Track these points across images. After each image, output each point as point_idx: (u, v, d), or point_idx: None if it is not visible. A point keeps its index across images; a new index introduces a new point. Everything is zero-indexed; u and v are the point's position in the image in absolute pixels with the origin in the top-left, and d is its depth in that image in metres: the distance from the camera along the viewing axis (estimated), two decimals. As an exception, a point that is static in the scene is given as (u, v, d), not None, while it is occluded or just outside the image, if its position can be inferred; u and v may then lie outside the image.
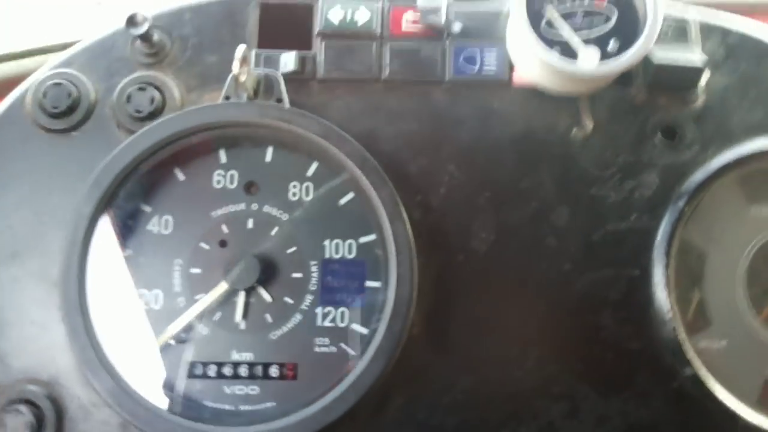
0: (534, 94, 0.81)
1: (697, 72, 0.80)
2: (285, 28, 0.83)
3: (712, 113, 0.81)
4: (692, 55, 0.80)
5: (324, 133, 0.72)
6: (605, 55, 0.74)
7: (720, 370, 0.73)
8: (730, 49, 0.84)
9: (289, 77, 0.80)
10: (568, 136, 0.79)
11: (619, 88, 0.82)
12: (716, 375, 0.72)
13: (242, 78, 0.70)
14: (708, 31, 0.84)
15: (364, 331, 0.71)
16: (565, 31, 0.75)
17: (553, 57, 0.72)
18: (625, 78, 0.81)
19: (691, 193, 0.76)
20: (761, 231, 0.78)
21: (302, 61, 0.80)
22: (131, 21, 0.77)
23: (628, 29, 0.75)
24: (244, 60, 0.70)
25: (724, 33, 0.84)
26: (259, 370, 0.70)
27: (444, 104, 0.80)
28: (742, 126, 0.81)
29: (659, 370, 0.73)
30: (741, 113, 0.81)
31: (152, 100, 0.78)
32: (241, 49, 0.69)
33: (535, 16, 0.75)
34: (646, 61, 0.80)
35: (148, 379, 0.69)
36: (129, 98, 0.77)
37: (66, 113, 0.77)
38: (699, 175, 0.77)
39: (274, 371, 0.70)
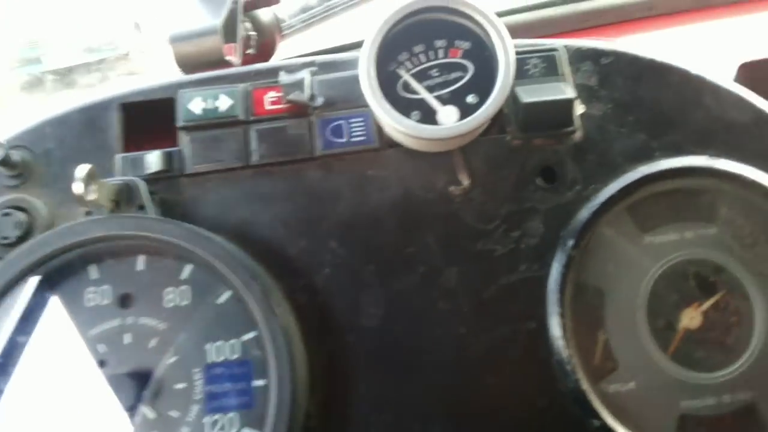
0: (407, 155, 0.78)
1: (567, 105, 0.77)
2: (149, 126, 0.81)
3: (591, 147, 0.78)
4: (561, 89, 0.79)
5: (184, 236, 0.69)
6: (466, 110, 0.72)
7: (632, 413, 0.69)
8: (604, 73, 0.81)
9: (157, 177, 0.78)
10: (446, 193, 0.77)
11: (493, 136, 0.80)
12: (628, 420, 0.68)
13: (92, 196, 0.68)
14: (579, 58, 0.82)
15: (257, 434, 0.67)
16: (422, 92, 0.73)
17: (409, 124, 0.70)
18: (497, 124, 0.79)
19: (576, 235, 0.73)
20: (657, 260, 0.75)
21: (168, 159, 0.77)
22: (-20, 153, 0.74)
23: (486, 80, 0.73)
24: (91, 177, 0.68)
25: (597, 56, 0.82)
26: None
27: (317, 180, 0.77)
28: (624, 155, 0.78)
29: (569, 423, 0.69)
30: (621, 141, 0.79)
31: (20, 224, 0.75)
32: (81, 170, 0.66)
33: (389, 78, 0.73)
34: (515, 103, 0.78)
35: None
36: (-5, 225, 0.75)
37: (-69, 249, 0.75)
38: (583, 214, 0.74)
39: (168, 492, 0.67)
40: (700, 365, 0.69)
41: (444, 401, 0.68)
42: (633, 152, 0.75)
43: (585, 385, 0.66)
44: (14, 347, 0.67)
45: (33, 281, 0.68)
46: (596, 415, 0.64)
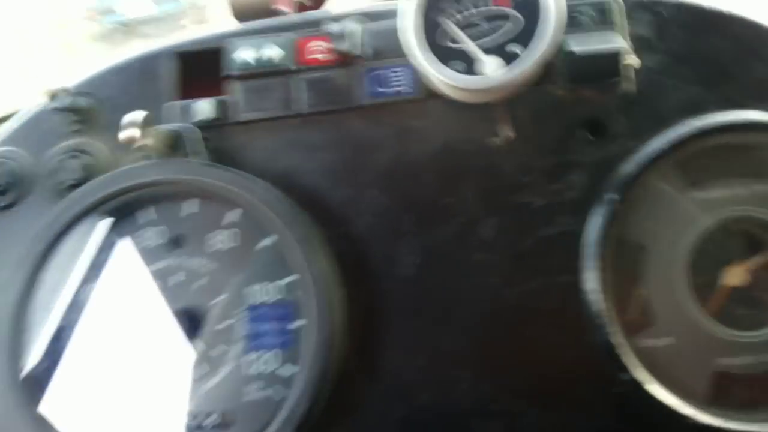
0: (449, 106, 0.77)
1: (617, 56, 0.74)
2: (203, 75, 0.84)
3: (641, 99, 0.75)
4: (612, 39, 0.76)
5: (233, 180, 0.72)
6: (511, 60, 0.71)
7: (665, 369, 0.69)
8: (661, 24, 0.77)
9: (209, 124, 0.81)
10: (488, 144, 0.77)
11: (539, 87, 0.78)
12: (660, 375, 0.68)
13: (147, 141, 0.71)
14: (635, 7, 0.79)
15: (292, 372, 0.71)
16: (464, 42, 0.73)
17: (450, 74, 0.70)
18: (544, 75, 0.78)
19: (620, 187, 0.72)
20: (705, 215, 0.73)
21: (221, 107, 0.81)
22: (52, 97, 0.80)
23: (533, 30, 0.72)
24: (146, 123, 0.72)
25: (654, 5, 0.78)
26: (195, 422, 0.71)
27: (361, 130, 0.78)
28: (676, 108, 0.74)
29: (600, 378, 0.69)
30: (674, 94, 0.75)
31: (85, 167, 0.81)
32: (137, 116, 0.70)
33: (431, 27, 0.72)
34: (563, 53, 0.77)
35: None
36: (62, 167, 0.80)
37: (6, 189, 0.81)
38: (628, 167, 0.73)
39: (210, 421, 0.72)
40: (740, 323, 0.68)
41: (476, 350, 0.69)
42: (686, 105, 0.73)
43: (617, 339, 0.65)
44: (85, 288, 0.72)
45: (105, 223, 0.72)
46: (626, 369, 0.64)
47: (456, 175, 0.73)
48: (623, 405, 0.66)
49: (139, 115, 0.66)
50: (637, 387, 0.64)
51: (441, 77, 0.67)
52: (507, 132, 0.73)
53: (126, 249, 0.74)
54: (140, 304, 0.72)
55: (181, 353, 0.70)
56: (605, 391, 0.66)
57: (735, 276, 0.68)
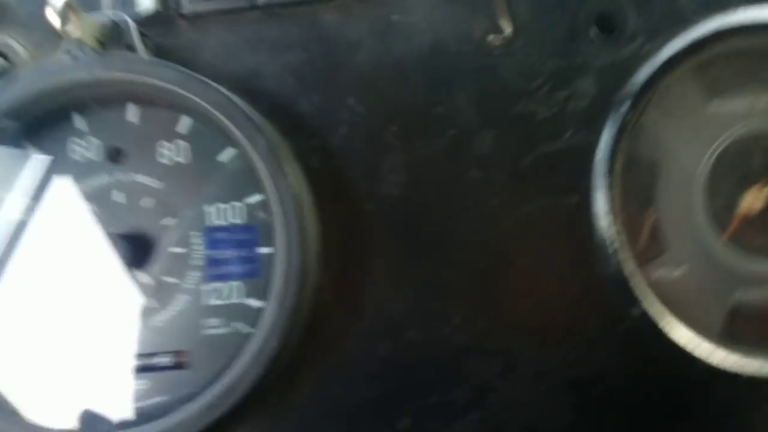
0: (439, -2, 0.66)
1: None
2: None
3: None
4: None
5: (179, 80, 0.59)
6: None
7: (678, 303, 0.61)
8: None
9: (150, 18, 0.67)
10: (485, 44, 0.66)
11: (543, -22, 0.67)
12: (673, 309, 0.61)
13: (73, 32, 0.57)
14: None
15: (260, 305, 0.61)
16: None
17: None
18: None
19: (634, 96, 0.62)
20: (724, 130, 0.64)
21: (163, -5, 0.67)
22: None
23: None
24: (70, 8, 0.58)
25: None
26: (146, 361, 0.61)
27: (335, 26, 0.66)
28: (696, 3, 0.66)
29: (605, 312, 0.61)
30: None
31: (-6, 65, 0.66)
32: None
33: None
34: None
35: (16, 387, 0.61)
36: (-31, 68, 0.66)
37: None
38: (643, 73, 0.63)
39: (163, 360, 0.61)
40: (759, 252, 0.60)
41: (469, 280, 0.61)
42: (707, 2, 0.62)
43: (629, 269, 0.57)
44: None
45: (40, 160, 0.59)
46: (638, 303, 0.56)
47: (447, 80, 0.62)
48: (631, 344, 0.58)
49: (61, -2, 0.52)
50: (649, 323, 0.56)
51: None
52: (506, 28, 0.62)
53: (52, 166, 0.61)
54: (75, 230, 0.60)
55: (126, 284, 0.58)
56: (612, 328, 0.58)
57: (753, 200, 0.60)
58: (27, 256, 0.61)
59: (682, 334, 0.57)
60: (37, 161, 0.62)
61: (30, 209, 0.63)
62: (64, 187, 0.62)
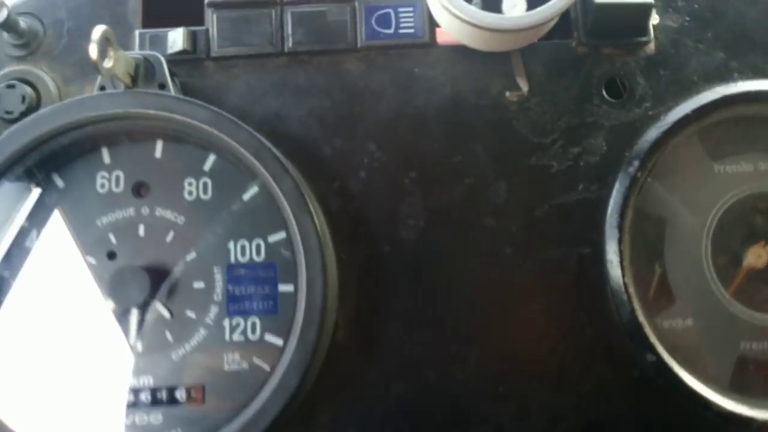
0: (460, 54, 0.70)
1: (643, 10, 0.69)
2: (173, 2, 0.72)
3: (664, 61, 0.70)
4: (641, -5, 0.70)
5: (211, 120, 0.61)
6: (533, 3, 0.64)
7: (687, 352, 0.63)
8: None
9: (179, 58, 0.69)
10: (502, 99, 0.69)
11: (557, 40, 0.71)
12: (682, 359, 0.62)
13: (108, 65, 0.59)
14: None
15: (279, 342, 0.61)
16: (486, -21, 0.64)
17: (469, 10, 0.62)
18: (562, 27, 0.71)
19: (643, 156, 0.66)
20: (726, 192, 0.67)
21: (192, 38, 0.69)
22: (-11, 12, 0.66)
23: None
24: (108, 42, 0.60)
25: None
26: (162, 395, 0.61)
27: (358, 74, 0.69)
28: (699, 73, 0.70)
29: (618, 358, 0.63)
30: (698, 58, 0.70)
31: (23, 98, 0.67)
32: (98, 30, 0.58)
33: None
34: (585, 4, 0.70)
35: (33, 418, 0.60)
36: (-1, 97, 0.67)
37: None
38: (652, 134, 0.67)
39: (179, 395, 0.61)
40: (764, 306, 0.63)
41: (484, 324, 0.62)
42: (710, 71, 0.68)
43: (641, 317, 0.59)
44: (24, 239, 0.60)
45: (35, 194, 0.60)
46: (652, 350, 0.58)
47: (465, 131, 0.65)
48: (643, 389, 0.59)
49: (100, 29, 0.54)
50: (662, 369, 0.58)
51: (459, 13, 0.59)
52: (522, 86, 0.66)
53: (80, 199, 0.62)
54: (94, 261, 0.60)
55: (142, 317, 0.58)
56: (624, 374, 0.60)
57: (756, 257, 0.63)
58: (36, 285, 0.61)
59: (694, 381, 0.58)
60: (60, 191, 0.62)
61: (45, 240, 0.62)
62: (84, 220, 0.62)
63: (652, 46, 0.68)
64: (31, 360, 0.59)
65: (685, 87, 0.67)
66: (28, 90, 0.66)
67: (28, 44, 0.68)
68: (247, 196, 0.62)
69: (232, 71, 0.67)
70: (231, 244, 0.61)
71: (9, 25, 0.66)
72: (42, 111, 0.61)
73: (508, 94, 0.66)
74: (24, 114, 0.65)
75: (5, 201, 0.60)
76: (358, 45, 0.67)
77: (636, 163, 0.63)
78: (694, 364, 0.61)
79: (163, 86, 0.62)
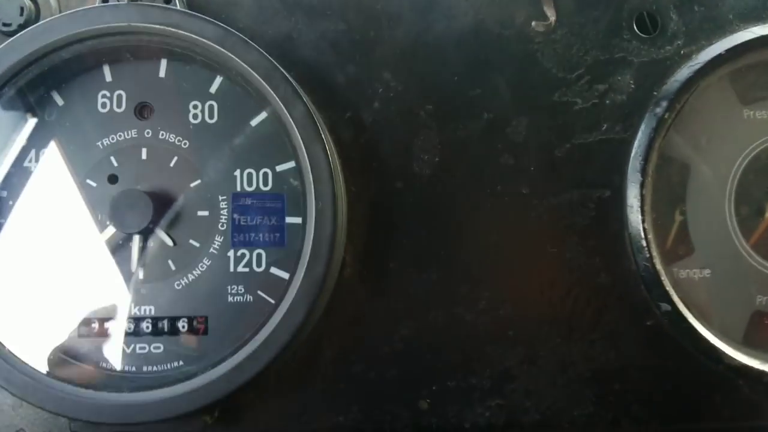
0: (485, -20, 0.65)
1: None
2: None
3: None
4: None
5: (220, 38, 0.57)
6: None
7: (702, 304, 0.62)
8: None
9: (185, -29, 0.64)
10: (526, 30, 0.65)
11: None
12: (697, 309, 0.61)
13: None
14: None
15: (285, 275, 0.59)
16: None
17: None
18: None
19: (672, 96, 0.62)
20: (754, 139, 0.64)
21: (201, -50, 0.65)
22: None
23: None
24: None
25: None
26: (164, 324, 0.59)
27: (376, -4, 0.65)
28: (735, 12, 0.65)
29: (631, 306, 0.61)
30: None
31: (21, 10, 0.63)
32: None
33: None
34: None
35: (30, 341, 0.58)
36: (-6, 8, 0.62)
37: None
38: (683, 73, 0.63)
39: (181, 325, 0.59)
40: None
41: (496, 266, 0.60)
42: (747, 10, 0.64)
43: (658, 265, 0.57)
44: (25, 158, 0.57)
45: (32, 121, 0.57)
46: (667, 299, 0.56)
47: (486, 63, 0.61)
48: (655, 339, 0.58)
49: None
50: (676, 320, 0.56)
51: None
52: (549, 16, 0.61)
53: (81, 118, 0.58)
54: (95, 184, 0.57)
55: (144, 244, 0.56)
56: (637, 322, 0.58)
57: (783, 208, 0.60)
58: (35, 207, 0.58)
59: (708, 333, 0.57)
60: (60, 110, 0.59)
61: (46, 160, 0.59)
62: (85, 140, 0.59)
63: (688, -21, 0.63)
64: (31, 283, 0.57)
65: (720, 25, 0.63)
66: (27, 1, 0.62)
67: (25, -49, 0.63)
68: (255, 122, 0.59)
69: (240, -12, 0.62)
70: (237, 172, 0.58)
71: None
72: (41, 23, 0.57)
73: (534, 23, 0.61)
74: (22, 26, 0.61)
75: (3, 118, 0.56)
76: (376, -36, 0.62)
77: (664, 104, 0.60)
78: (708, 316, 0.59)
79: (169, 0, 0.57)
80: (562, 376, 0.59)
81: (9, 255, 0.57)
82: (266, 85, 0.55)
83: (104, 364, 0.57)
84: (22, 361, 0.54)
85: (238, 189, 0.58)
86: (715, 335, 0.58)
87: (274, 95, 0.55)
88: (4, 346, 0.54)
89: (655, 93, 0.61)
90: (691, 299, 0.60)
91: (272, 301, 0.56)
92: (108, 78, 0.59)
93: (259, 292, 0.57)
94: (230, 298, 0.57)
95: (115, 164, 0.58)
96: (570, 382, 0.59)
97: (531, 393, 0.59)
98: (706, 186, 0.62)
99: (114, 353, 0.57)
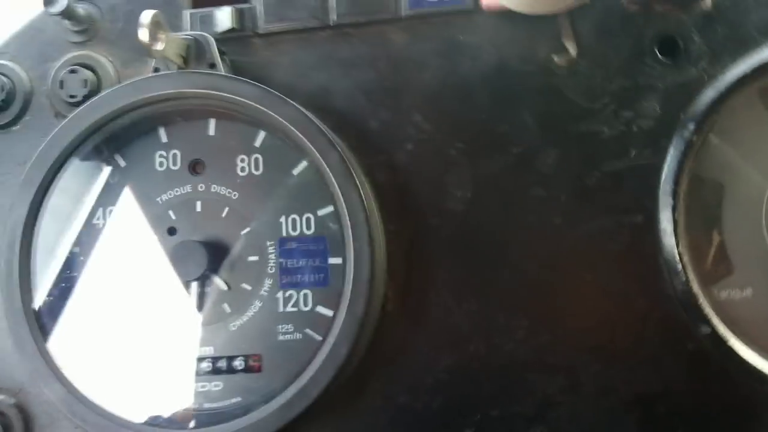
0: (505, 19, 0.67)
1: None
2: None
3: (721, 18, 0.65)
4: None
5: (258, 97, 0.62)
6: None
7: (744, 324, 0.61)
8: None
9: (228, 36, 0.70)
10: (549, 64, 0.67)
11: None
12: (739, 331, 0.60)
13: (158, 47, 0.61)
14: None
15: (329, 313, 0.62)
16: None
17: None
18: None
19: (699, 118, 0.62)
20: (790, 152, 0.64)
21: (239, 16, 0.70)
22: (48, 2, 0.69)
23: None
24: (157, 26, 0.61)
25: None
26: (222, 363, 0.64)
27: (403, 45, 0.68)
28: (759, 29, 0.65)
29: (671, 330, 0.61)
30: (758, 13, 0.65)
31: (85, 83, 0.70)
32: (147, 15, 0.59)
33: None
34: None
35: (103, 383, 0.64)
36: (62, 83, 0.70)
37: (2, 108, 0.71)
38: (708, 94, 0.63)
39: (238, 364, 0.63)
40: None
41: (533, 295, 0.61)
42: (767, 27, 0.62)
43: (696, 287, 0.57)
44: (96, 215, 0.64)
45: (105, 172, 0.65)
46: (707, 321, 0.56)
47: (512, 99, 0.63)
48: (697, 363, 0.57)
49: (149, 13, 0.55)
50: (717, 342, 0.56)
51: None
52: (571, 49, 0.63)
53: (140, 177, 0.64)
54: (155, 236, 0.62)
55: (202, 290, 0.61)
56: (678, 346, 0.58)
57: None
58: (110, 259, 0.64)
59: (752, 354, 0.56)
60: (123, 171, 0.64)
61: (114, 216, 0.65)
62: (147, 197, 0.64)
63: (708, 2, 0.64)
64: (101, 330, 0.62)
65: (744, 44, 0.63)
66: (89, 74, 0.69)
67: (87, 30, 0.71)
68: (296, 171, 0.63)
69: (278, 47, 0.67)
70: (282, 219, 0.62)
71: (68, 13, 0.68)
72: (101, 95, 0.63)
73: (555, 58, 0.63)
74: (86, 98, 0.67)
75: (75, 181, 0.63)
76: (402, 14, 0.66)
77: (691, 126, 0.60)
78: (752, 337, 0.59)
79: (213, 65, 0.63)
80: (605, 401, 0.59)
81: (82, 305, 0.63)
82: (303, 137, 0.59)
83: (170, 404, 0.61)
84: (99, 406, 0.59)
85: (284, 234, 0.62)
86: (761, 356, 0.57)
87: (311, 146, 0.59)
88: (80, 391, 0.59)
89: (682, 116, 0.62)
90: (733, 320, 0.59)
91: (319, 338, 0.60)
92: (164, 139, 0.65)
93: (307, 330, 0.61)
94: (281, 337, 0.61)
95: (173, 217, 0.63)
96: (613, 408, 0.59)
97: (574, 419, 0.59)
98: (742, 204, 0.62)
99: (179, 392, 0.61)
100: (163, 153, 0.64)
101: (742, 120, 0.62)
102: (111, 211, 0.65)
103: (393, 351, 0.62)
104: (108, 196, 0.65)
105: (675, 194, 0.60)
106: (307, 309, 0.61)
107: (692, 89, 0.63)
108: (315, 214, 0.62)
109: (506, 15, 0.65)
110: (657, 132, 0.62)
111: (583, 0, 0.61)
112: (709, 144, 0.62)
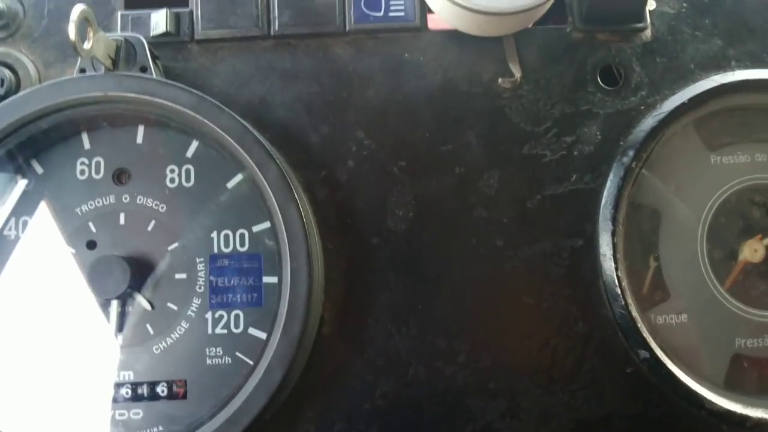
0: (452, 39, 0.66)
1: (640, -1, 0.66)
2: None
3: (660, 48, 0.67)
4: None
5: (193, 104, 0.58)
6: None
7: (681, 349, 0.61)
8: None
9: (162, 41, 0.66)
10: (494, 86, 0.66)
11: (550, 26, 0.68)
12: (676, 355, 0.60)
13: (87, 46, 0.56)
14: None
15: (263, 335, 0.58)
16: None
17: (464, -7, 0.58)
18: (557, 12, 0.68)
19: (638, 145, 0.63)
20: (722, 183, 0.65)
21: (176, 20, 0.66)
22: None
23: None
24: (88, 24, 0.56)
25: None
26: (143, 390, 0.58)
27: (347, 59, 0.66)
28: (696, 61, 0.67)
29: (611, 354, 0.60)
30: (695, 46, 0.68)
31: (2, 82, 0.64)
32: (77, 10, 0.54)
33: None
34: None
35: (12, 413, 0.57)
36: (-24, 81, 0.63)
37: None
38: (647, 123, 0.64)
39: (161, 390, 0.58)
40: (759, 302, 0.60)
41: (474, 318, 0.60)
42: (707, 59, 0.65)
43: (634, 312, 0.56)
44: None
45: (21, 185, 0.59)
46: (645, 346, 0.56)
47: (456, 119, 0.62)
48: (636, 386, 0.57)
49: (79, 8, 0.51)
50: (655, 366, 0.55)
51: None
52: (516, 72, 0.62)
53: (60, 186, 0.59)
54: (74, 250, 0.56)
55: (123, 309, 0.55)
56: (617, 370, 0.57)
57: (752, 251, 0.61)
58: (16, 276, 0.58)
59: (688, 378, 0.56)
60: (40, 179, 0.59)
61: (26, 229, 0.59)
62: (65, 208, 0.59)
63: (648, 33, 0.65)
64: (8, 350, 0.56)
65: (682, 75, 0.64)
66: (7, 73, 0.63)
67: (8, 25, 0.65)
68: (231, 184, 0.59)
69: (216, 54, 0.64)
70: (214, 234, 0.58)
71: (-13, 7, 0.62)
72: (20, 94, 0.57)
73: (500, 80, 0.62)
74: (3, 97, 0.62)
75: None
76: (347, 28, 0.63)
77: (631, 153, 0.60)
78: (688, 361, 0.59)
79: (144, 69, 0.59)
80: (545, 427, 0.58)
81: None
82: (240, 149, 0.56)
83: (84, 432, 0.55)
84: None
85: (215, 251, 0.58)
86: (696, 380, 0.57)
87: (248, 158, 0.55)
88: None
89: (621, 143, 0.62)
90: (669, 345, 0.59)
91: (250, 362, 0.55)
92: (87, 146, 0.59)
93: (238, 354, 0.56)
94: (209, 361, 0.56)
95: (94, 230, 0.58)
96: (553, 434, 0.57)
97: (514, 446, 0.57)
98: (678, 231, 0.62)
99: (94, 421, 0.55)
100: (85, 160, 0.59)
101: (678, 149, 0.63)
102: (25, 222, 0.58)
103: (329, 376, 0.58)
104: (22, 206, 0.58)
105: (614, 219, 0.59)
106: (239, 331, 0.56)
107: (632, 117, 0.63)
108: (250, 230, 0.58)
109: (453, 35, 0.64)
110: (597, 157, 0.62)
111: (525, 24, 0.60)
112: (647, 172, 0.62)
